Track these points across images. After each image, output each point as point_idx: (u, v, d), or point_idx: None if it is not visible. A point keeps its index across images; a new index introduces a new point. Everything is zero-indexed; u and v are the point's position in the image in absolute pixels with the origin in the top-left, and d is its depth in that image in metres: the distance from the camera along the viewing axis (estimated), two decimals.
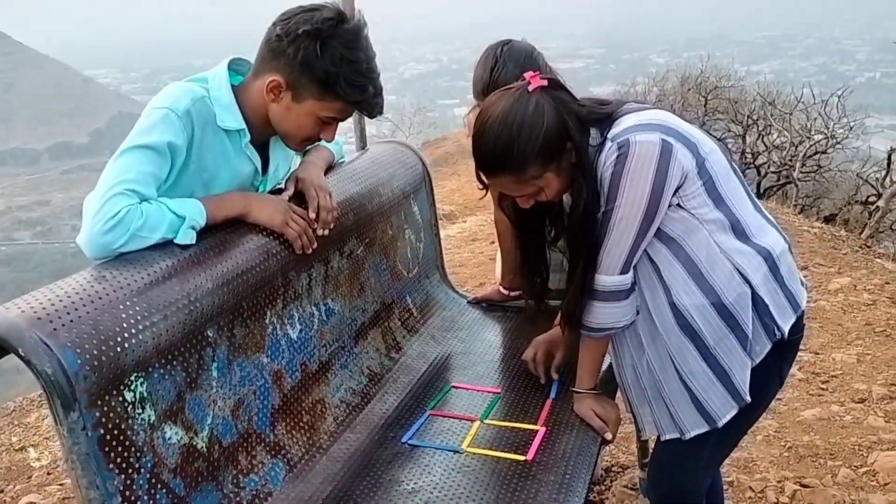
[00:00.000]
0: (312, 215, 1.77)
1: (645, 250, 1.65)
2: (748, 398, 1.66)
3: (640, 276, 1.68)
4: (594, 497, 2.83)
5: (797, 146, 13.41)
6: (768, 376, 1.73)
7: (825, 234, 7.43)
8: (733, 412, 1.68)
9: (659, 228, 1.62)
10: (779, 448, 3.05)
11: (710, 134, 1.71)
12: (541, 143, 1.55)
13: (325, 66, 1.58)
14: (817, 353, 3.87)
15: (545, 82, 1.60)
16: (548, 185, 1.62)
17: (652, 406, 1.76)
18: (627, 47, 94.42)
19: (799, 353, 3.99)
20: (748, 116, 14.42)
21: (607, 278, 1.65)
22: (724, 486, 2.83)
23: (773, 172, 14.10)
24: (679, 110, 15.78)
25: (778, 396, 3.43)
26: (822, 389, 3.52)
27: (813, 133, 13.33)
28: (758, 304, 1.63)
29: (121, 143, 1.55)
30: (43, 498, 3.06)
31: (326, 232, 1.82)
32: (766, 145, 14.31)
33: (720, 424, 1.69)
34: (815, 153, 13.28)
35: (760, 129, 14.41)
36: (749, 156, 14.55)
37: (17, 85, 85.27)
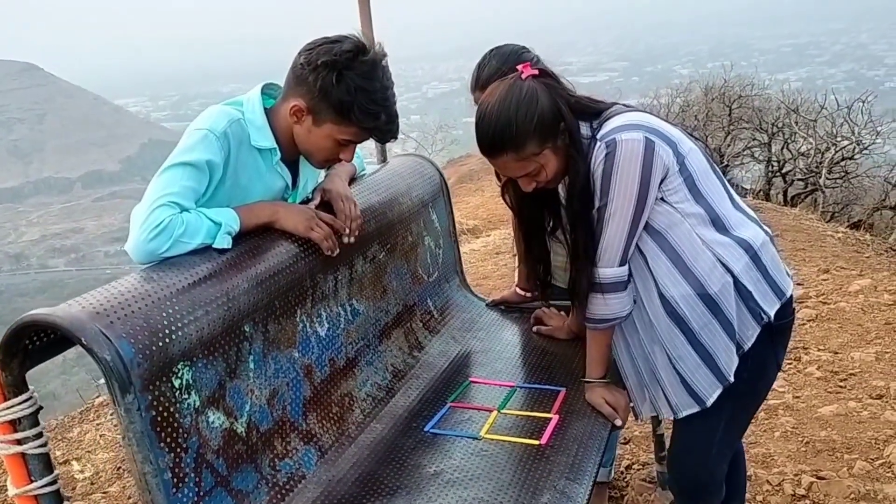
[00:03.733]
0: (341, 223, 1.92)
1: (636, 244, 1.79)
2: (731, 378, 1.79)
3: (633, 269, 1.82)
4: (615, 493, 2.93)
5: (823, 153, 13.33)
6: (765, 360, 1.86)
7: (849, 238, 7.44)
8: (718, 392, 1.81)
9: (647, 222, 1.76)
10: (796, 443, 3.12)
11: (690, 134, 1.87)
12: (536, 120, 1.71)
13: (341, 95, 1.73)
14: (836, 353, 3.92)
15: (536, 72, 1.77)
16: (547, 164, 1.77)
17: (648, 389, 1.91)
18: (650, 60, 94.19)
19: (818, 353, 4.05)
20: (773, 125, 14.38)
21: (608, 270, 1.78)
22: None
23: (799, 180, 14.02)
24: (703, 121, 15.77)
25: (796, 394, 3.53)
26: (840, 387, 3.57)
27: (839, 139, 13.25)
28: (741, 291, 1.77)
29: (152, 169, 1.71)
30: None
31: (353, 240, 1.96)
32: (791, 153, 14.24)
33: (708, 404, 1.82)
34: (843, 159, 13.19)
35: (786, 136, 14.36)
36: (775, 164, 14.48)
37: (49, 116, 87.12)
